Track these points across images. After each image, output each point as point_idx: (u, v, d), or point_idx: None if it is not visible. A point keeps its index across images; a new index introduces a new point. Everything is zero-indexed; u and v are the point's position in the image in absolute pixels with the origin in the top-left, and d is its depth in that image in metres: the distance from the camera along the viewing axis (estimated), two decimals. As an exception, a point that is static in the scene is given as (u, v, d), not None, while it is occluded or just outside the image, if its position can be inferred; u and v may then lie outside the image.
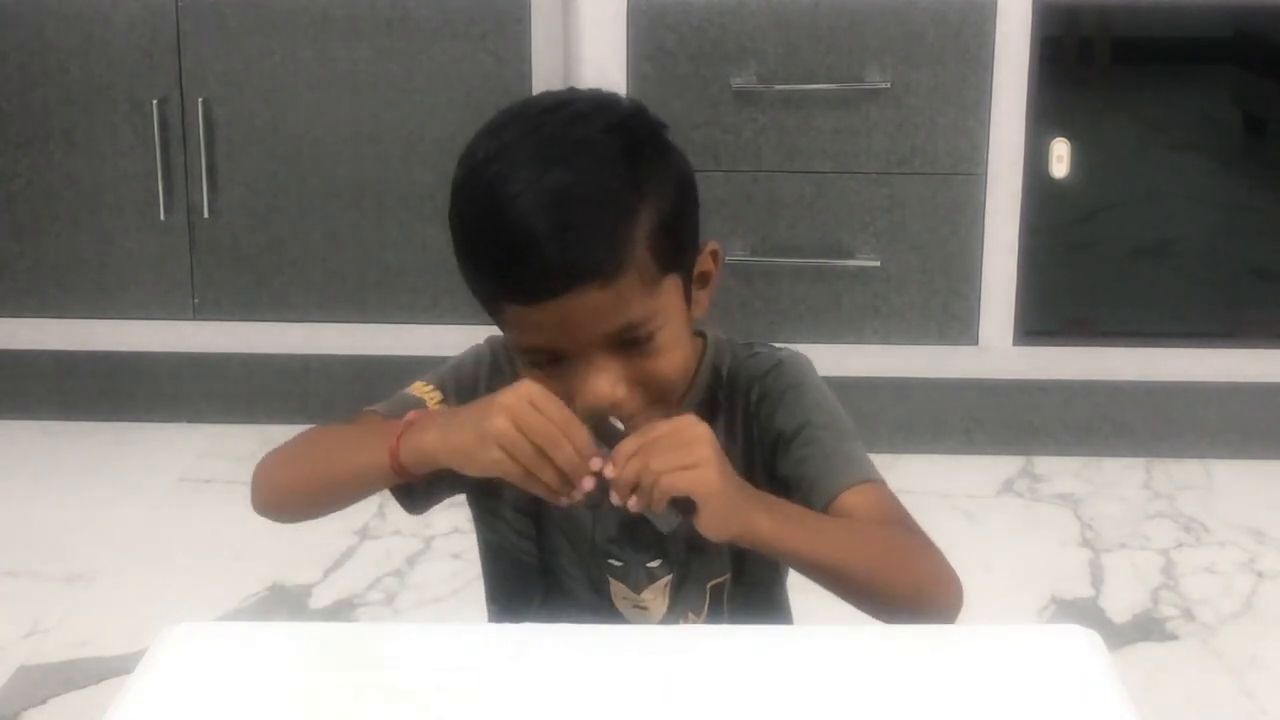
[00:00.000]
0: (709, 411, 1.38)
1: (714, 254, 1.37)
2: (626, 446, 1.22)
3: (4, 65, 3.02)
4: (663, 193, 1.28)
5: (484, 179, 1.26)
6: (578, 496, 1.22)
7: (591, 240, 1.23)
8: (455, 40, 2.96)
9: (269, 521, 1.41)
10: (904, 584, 1.28)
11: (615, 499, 1.23)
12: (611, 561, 1.41)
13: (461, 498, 1.44)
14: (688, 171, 1.34)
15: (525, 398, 1.22)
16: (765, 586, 1.45)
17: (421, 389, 1.40)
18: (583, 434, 1.22)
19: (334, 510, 1.39)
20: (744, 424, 1.39)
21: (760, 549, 1.27)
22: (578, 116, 1.29)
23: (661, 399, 1.31)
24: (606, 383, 1.27)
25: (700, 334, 1.43)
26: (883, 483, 1.35)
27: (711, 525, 1.22)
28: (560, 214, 1.23)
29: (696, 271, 1.35)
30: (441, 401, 1.38)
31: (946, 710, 1.11)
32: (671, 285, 1.30)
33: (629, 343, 1.27)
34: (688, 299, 1.33)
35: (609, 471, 1.22)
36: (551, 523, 1.41)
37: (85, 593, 2.57)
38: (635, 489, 1.21)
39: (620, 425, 1.26)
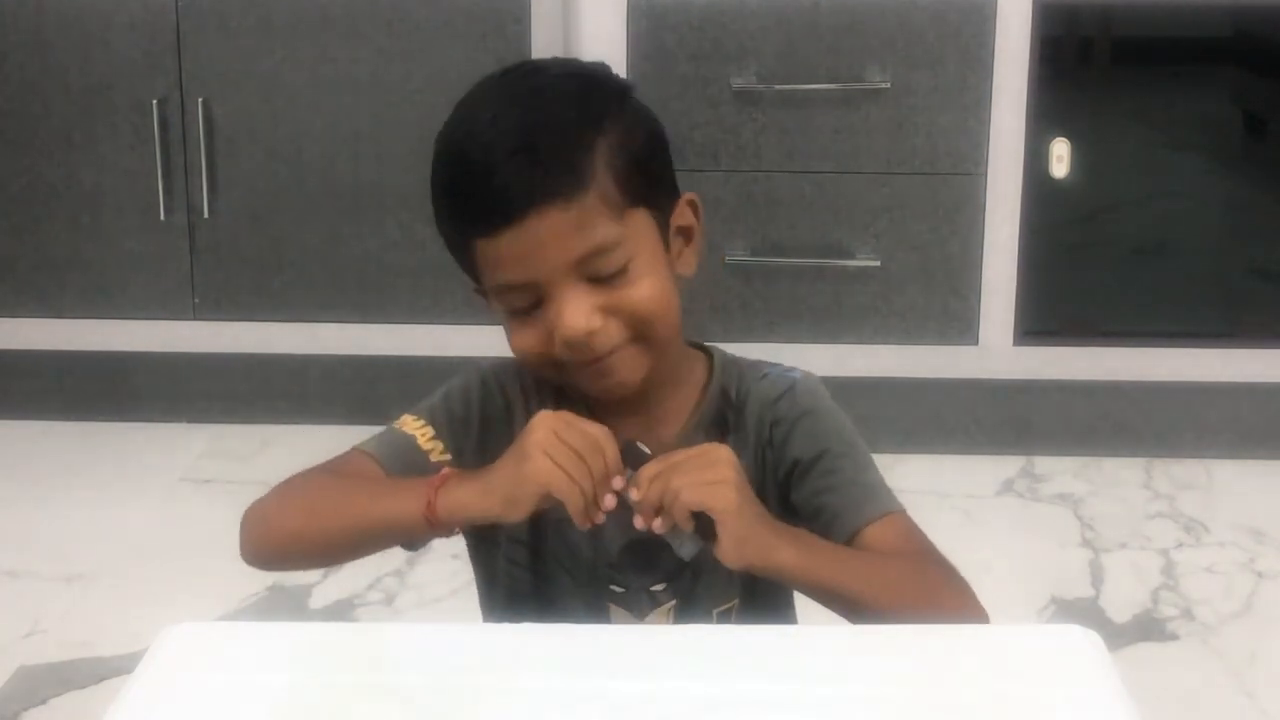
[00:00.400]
0: (718, 433, 1.37)
1: (692, 205, 1.37)
2: (650, 469, 1.23)
3: (4, 65, 3.02)
4: (623, 129, 1.30)
5: (453, 136, 1.32)
6: (599, 518, 1.23)
7: (549, 160, 1.26)
8: (455, 40, 2.96)
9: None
10: (927, 616, 1.27)
11: (639, 522, 1.23)
12: (613, 588, 1.39)
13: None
14: (653, 119, 1.36)
15: (560, 415, 1.24)
16: (775, 610, 1.42)
17: (411, 424, 1.38)
18: (613, 447, 1.24)
19: (340, 562, 1.37)
20: (756, 449, 1.38)
21: (779, 579, 1.26)
22: (537, 69, 1.36)
23: (644, 334, 1.31)
24: (581, 312, 1.27)
25: (705, 350, 1.42)
26: (904, 512, 1.34)
27: (730, 549, 1.22)
28: (518, 141, 1.26)
29: (676, 224, 1.35)
30: (434, 437, 1.37)
31: (947, 710, 1.11)
32: (642, 218, 1.30)
33: (602, 277, 1.28)
34: (665, 242, 1.33)
35: (634, 495, 1.23)
36: (548, 553, 1.40)
37: (85, 593, 2.57)
38: (659, 513, 1.22)
39: (646, 450, 1.26)
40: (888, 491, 1.35)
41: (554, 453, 1.22)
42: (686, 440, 1.35)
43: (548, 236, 1.25)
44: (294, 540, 1.35)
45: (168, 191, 3.03)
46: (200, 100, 3.00)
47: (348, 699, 1.12)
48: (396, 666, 1.16)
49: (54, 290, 3.11)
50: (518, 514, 1.24)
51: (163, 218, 3.04)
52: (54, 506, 2.87)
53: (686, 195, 1.37)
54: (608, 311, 1.28)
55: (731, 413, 1.39)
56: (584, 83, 1.33)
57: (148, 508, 2.86)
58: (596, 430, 1.24)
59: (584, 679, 1.14)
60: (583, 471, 1.22)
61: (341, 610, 2.52)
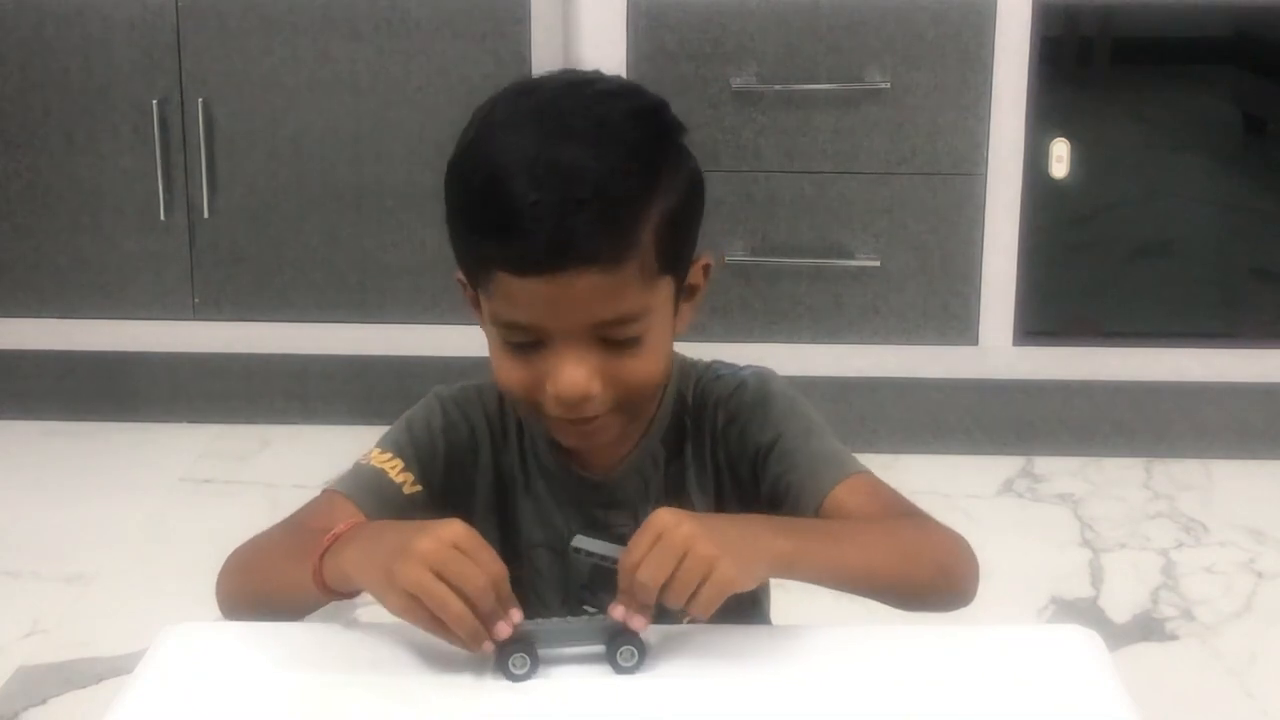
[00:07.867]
0: (676, 438, 1.36)
1: (705, 268, 1.32)
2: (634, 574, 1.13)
3: (4, 65, 3.02)
4: (676, 189, 1.25)
5: (498, 141, 1.21)
6: (487, 648, 1.13)
7: (602, 220, 1.18)
8: (455, 40, 2.96)
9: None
10: (929, 569, 1.25)
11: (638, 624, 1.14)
12: (587, 609, 1.33)
13: None
14: (700, 176, 1.30)
15: (449, 541, 1.12)
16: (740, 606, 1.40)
17: (379, 458, 1.33)
18: (507, 586, 1.14)
19: (290, 619, 1.29)
20: (711, 449, 1.36)
21: (789, 574, 1.20)
22: (603, 95, 1.25)
23: (630, 408, 1.27)
24: (583, 374, 1.21)
25: None
26: (868, 473, 1.31)
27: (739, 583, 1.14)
28: (574, 188, 1.17)
29: (688, 283, 1.30)
30: (404, 469, 1.32)
31: (947, 710, 1.11)
32: (665, 287, 1.25)
33: (615, 341, 1.22)
34: (675, 308, 1.28)
35: (616, 614, 1.14)
36: (524, 580, 1.35)
37: (85, 593, 2.57)
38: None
39: (595, 550, 1.20)
40: (849, 455, 1.32)
41: (424, 596, 1.11)
42: (646, 452, 1.34)
43: (579, 296, 1.18)
44: (237, 597, 1.31)
45: (168, 191, 3.03)
46: (200, 100, 2.99)
47: (348, 699, 1.12)
48: (396, 666, 1.16)
49: (54, 290, 3.10)
50: (387, 605, 1.14)
51: (163, 218, 3.04)
52: (54, 506, 2.87)
53: (703, 259, 1.31)
54: (608, 379, 1.23)
55: (689, 418, 1.36)
56: (648, 128, 1.25)
57: (148, 508, 2.86)
58: (495, 570, 1.13)
59: (581, 678, 1.14)
60: (455, 617, 1.11)
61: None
